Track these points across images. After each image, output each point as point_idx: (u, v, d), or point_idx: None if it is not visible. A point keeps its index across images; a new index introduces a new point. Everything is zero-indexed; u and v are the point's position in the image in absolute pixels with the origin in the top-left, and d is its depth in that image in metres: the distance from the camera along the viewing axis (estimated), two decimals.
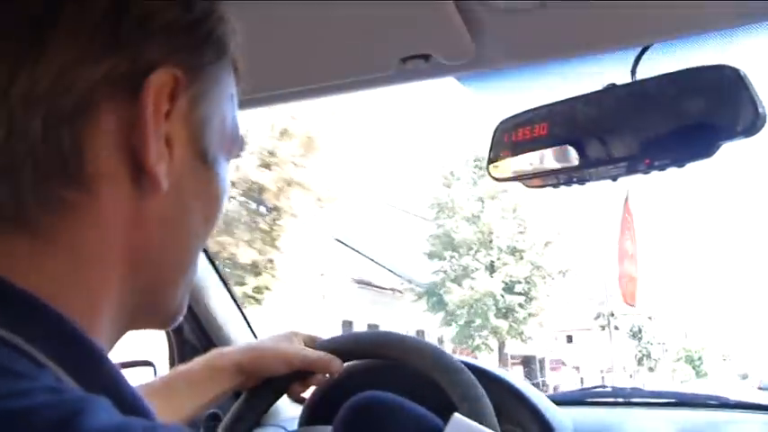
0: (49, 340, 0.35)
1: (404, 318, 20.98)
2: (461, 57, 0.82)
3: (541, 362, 29.28)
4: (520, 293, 21.65)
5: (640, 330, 35.30)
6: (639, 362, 34.95)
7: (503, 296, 21.36)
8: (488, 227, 21.43)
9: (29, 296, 0.36)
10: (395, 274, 21.82)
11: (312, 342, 1.01)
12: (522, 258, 21.73)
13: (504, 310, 21.49)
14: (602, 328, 29.96)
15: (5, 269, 0.36)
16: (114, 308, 0.41)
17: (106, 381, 0.37)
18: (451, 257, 21.96)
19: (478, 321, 21.23)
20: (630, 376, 32.25)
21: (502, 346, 22.57)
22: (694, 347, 38.44)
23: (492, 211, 21.61)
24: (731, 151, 0.78)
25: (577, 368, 31.44)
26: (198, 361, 0.94)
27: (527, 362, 27.38)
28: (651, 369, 35.74)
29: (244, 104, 0.98)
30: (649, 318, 36.07)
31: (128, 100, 0.39)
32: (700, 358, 39.05)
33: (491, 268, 21.59)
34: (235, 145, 0.49)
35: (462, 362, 0.96)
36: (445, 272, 22.05)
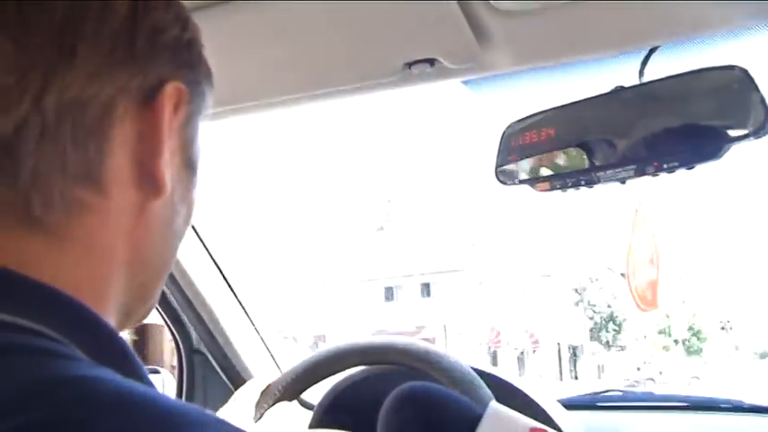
0: (72, 328, 0.37)
1: None
2: (467, 61, 0.82)
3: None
4: None
5: (585, 290, 26.44)
6: (594, 335, 26.15)
7: None
8: None
9: (48, 288, 0.37)
10: None
11: None
12: None
13: None
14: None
15: (22, 266, 0.38)
16: (116, 304, 0.44)
17: (131, 370, 0.38)
18: None
19: None
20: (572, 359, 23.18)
21: None
22: (683, 316, 29.14)
23: None
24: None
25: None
26: None
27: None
28: (608, 344, 26.00)
29: (250, 110, 0.98)
30: (622, 275, 26.26)
31: (140, 110, 0.42)
32: (691, 328, 29.62)
33: None
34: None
35: (474, 369, 0.97)
36: None
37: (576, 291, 26.01)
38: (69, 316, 0.37)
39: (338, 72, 0.88)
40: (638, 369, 22.49)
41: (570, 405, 1.18)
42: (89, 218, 0.40)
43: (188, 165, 0.47)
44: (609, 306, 26.66)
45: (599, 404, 1.49)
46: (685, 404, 1.44)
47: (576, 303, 25.67)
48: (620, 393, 1.66)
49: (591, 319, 26.47)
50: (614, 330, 26.64)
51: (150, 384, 0.39)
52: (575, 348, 25.22)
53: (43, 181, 0.38)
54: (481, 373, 0.97)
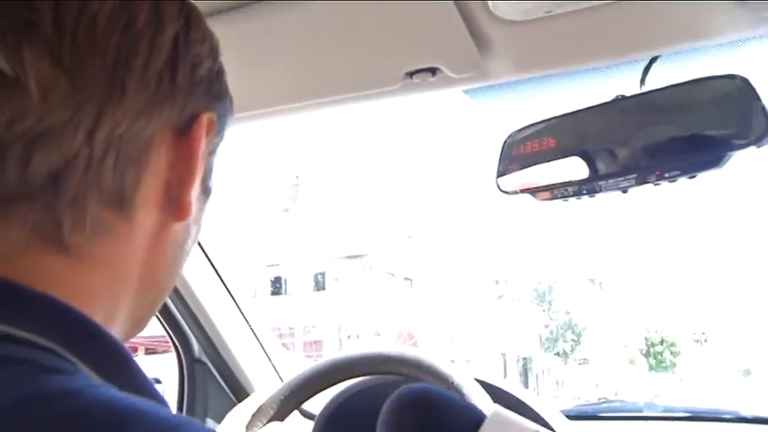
0: (74, 341, 0.37)
1: None
2: (468, 69, 0.82)
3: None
4: None
5: (550, 291, 23.37)
6: (548, 345, 22.46)
7: None
8: None
9: (50, 299, 0.38)
10: None
11: None
12: None
13: None
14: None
15: (45, 285, 0.38)
16: (126, 317, 0.45)
17: (135, 382, 0.39)
18: None
19: None
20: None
21: None
22: (654, 327, 25.67)
23: None
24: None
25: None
26: None
27: None
28: (566, 356, 22.34)
29: (251, 119, 0.98)
30: (591, 280, 23.89)
31: (175, 140, 0.44)
32: (663, 342, 25.82)
33: None
34: None
35: (476, 379, 0.96)
36: None
37: (537, 291, 22.06)
38: (73, 329, 0.38)
39: (339, 81, 0.88)
40: (597, 386, 20.27)
41: (573, 416, 1.18)
42: (112, 239, 0.42)
43: (205, 190, 0.49)
44: (567, 313, 23.64)
45: (602, 414, 1.49)
46: (688, 414, 1.43)
47: (496, 296, 21.56)
48: (623, 404, 1.66)
49: (546, 327, 23.26)
50: (573, 341, 23.45)
51: (156, 396, 0.39)
52: (525, 360, 21.71)
53: (79, 207, 0.40)
54: (483, 384, 0.96)
